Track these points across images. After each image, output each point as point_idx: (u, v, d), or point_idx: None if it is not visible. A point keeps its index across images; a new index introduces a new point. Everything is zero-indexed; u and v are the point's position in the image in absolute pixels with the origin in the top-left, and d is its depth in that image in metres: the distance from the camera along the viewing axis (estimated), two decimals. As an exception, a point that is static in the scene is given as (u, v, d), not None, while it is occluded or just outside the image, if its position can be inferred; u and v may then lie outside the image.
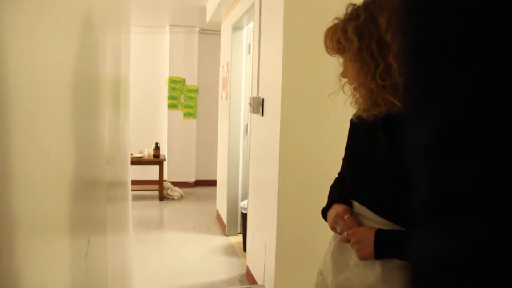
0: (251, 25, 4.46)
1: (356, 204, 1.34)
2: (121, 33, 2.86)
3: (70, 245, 1.36)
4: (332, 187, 1.53)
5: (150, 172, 7.22)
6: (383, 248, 1.22)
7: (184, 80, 7.68)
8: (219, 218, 5.72)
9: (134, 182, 6.98)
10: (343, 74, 1.32)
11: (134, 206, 6.31)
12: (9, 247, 0.84)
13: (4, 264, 0.81)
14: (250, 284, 2.27)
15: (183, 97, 7.71)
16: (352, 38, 1.21)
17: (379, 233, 1.23)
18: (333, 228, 1.37)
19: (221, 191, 5.68)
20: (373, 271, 1.26)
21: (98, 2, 1.90)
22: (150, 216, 6.19)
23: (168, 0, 6.04)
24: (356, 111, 1.35)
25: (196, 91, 7.75)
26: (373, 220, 1.28)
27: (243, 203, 4.66)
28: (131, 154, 6.54)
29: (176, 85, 7.65)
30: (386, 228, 1.25)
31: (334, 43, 1.27)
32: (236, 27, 5.03)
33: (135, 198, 6.78)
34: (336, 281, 1.36)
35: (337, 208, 1.37)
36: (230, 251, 4.68)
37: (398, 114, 1.20)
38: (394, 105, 1.19)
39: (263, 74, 3.56)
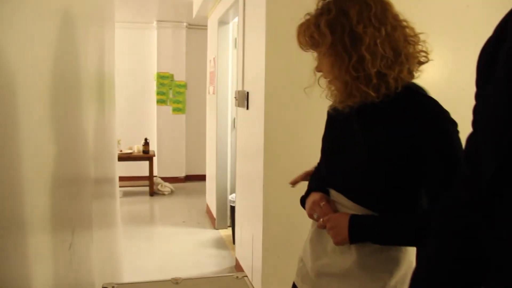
0: (236, 19, 4.49)
1: (332, 192, 1.38)
2: (104, 28, 2.87)
3: (53, 238, 1.39)
4: (311, 176, 1.57)
5: (140, 168, 7.22)
6: (357, 232, 1.25)
7: (172, 76, 7.69)
8: (209, 212, 5.76)
9: (124, 178, 7.01)
10: (318, 68, 1.34)
11: (124, 202, 6.36)
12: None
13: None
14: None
15: (172, 92, 7.72)
16: (325, 32, 1.22)
17: (353, 218, 1.26)
18: (310, 215, 1.41)
19: (210, 185, 5.72)
20: (349, 256, 1.31)
21: None
22: (141, 212, 6.22)
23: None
24: (332, 103, 1.38)
25: (184, 86, 7.76)
26: (348, 207, 1.31)
27: (231, 197, 4.70)
28: (121, 151, 6.57)
29: (164, 81, 7.66)
30: (360, 214, 1.29)
31: (307, 38, 1.29)
32: (222, 22, 5.05)
33: (126, 194, 6.81)
34: (315, 267, 1.40)
35: (314, 196, 1.41)
36: (220, 244, 4.73)
37: (372, 104, 1.23)
38: (368, 95, 1.22)
39: (248, 68, 3.60)
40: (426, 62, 1.27)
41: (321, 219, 1.34)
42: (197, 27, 7.46)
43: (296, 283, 1.51)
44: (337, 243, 1.30)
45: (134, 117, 7.57)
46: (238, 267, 3.90)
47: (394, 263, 1.29)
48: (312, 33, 1.26)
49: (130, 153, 6.76)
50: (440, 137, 1.19)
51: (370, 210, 1.28)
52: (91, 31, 2.22)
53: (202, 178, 6.75)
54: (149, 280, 1.74)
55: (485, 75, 0.77)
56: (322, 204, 1.36)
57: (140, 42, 7.61)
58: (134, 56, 7.52)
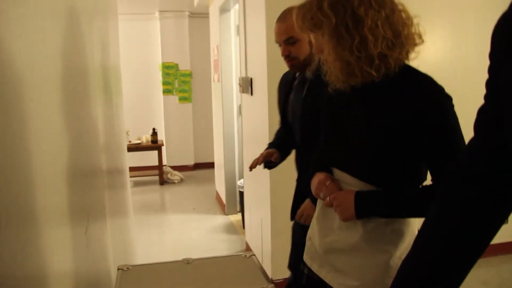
0: (237, 6, 4.52)
1: (336, 171, 1.42)
2: (108, 21, 2.93)
3: (70, 225, 1.46)
4: (314, 158, 1.59)
5: (150, 158, 7.33)
6: (363, 208, 1.31)
7: (177, 65, 7.75)
8: (218, 198, 5.85)
9: (134, 169, 7.13)
10: (318, 50, 1.37)
11: (135, 191, 6.47)
12: (15, 233, 0.94)
13: (13, 246, 0.92)
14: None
15: (177, 81, 7.79)
16: (328, 14, 1.25)
17: (358, 194, 1.32)
18: (316, 195, 1.45)
19: (219, 172, 5.80)
20: (355, 231, 1.36)
21: None
22: (152, 200, 6.34)
23: (155, -14, 6.09)
24: (332, 83, 1.41)
25: (189, 75, 7.82)
26: (352, 184, 1.36)
27: (240, 182, 4.78)
28: (129, 141, 6.67)
29: (169, 70, 7.72)
30: (364, 190, 1.34)
31: (307, 20, 1.31)
32: (223, 9, 5.08)
33: (136, 183, 6.92)
34: (323, 244, 1.46)
35: (319, 176, 1.45)
36: (230, 229, 4.82)
37: (371, 84, 1.29)
38: (370, 74, 1.27)
39: (250, 54, 3.64)
40: (421, 44, 1.31)
41: (328, 198, 1.39)
42: (199, 16, 7.50)
43: (305, 261, 1.58)
44: (345, 219, 1.35)
45: (142, 107, 7.66)
46: (248, 250, 3.99)
47: (399, 236, 1.34)
48: (314, 14, 1.28)
49: (139, 143, 6.86)
50: (437, 111, 1.24)
51: (373, 186, 1.33)
52: (95, 24, 2.28)
53: (211, 165, 6.84)
54: (162, 261, 1.82)
55: (505, 50, 0.78)
56: (327, 183, 1.40)
57: (143, 33, 7.66)
58: (138, 47, 7.58)
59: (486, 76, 0.84)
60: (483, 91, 0.85)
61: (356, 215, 1.31)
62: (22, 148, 1.04)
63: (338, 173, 1.42)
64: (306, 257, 1.58)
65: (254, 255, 1.83)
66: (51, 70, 1.36)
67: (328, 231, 1.45)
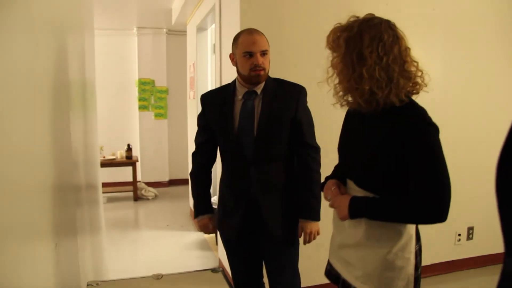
0: (214, 26, 4.59)
1: (348, 181, 1.69)
2: (84, 36, 2.95)
3: (40, 241, 1.47)
4: (334, 167, 1.88)
5: (124, 174, 7.29)
6: (354, 210, 1.56)
7: (153, 81, 7.77)
8: (192, 215, 5.83)
9: (108, 184, 7.07)
10: (332, 67, 1.60)
11: (109, 207, 6.41)
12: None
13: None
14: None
15: (153, 98, 7.80)
16: (341, 45, 1.51)
17: (353, 199, 1.57)
18: (325, 198, 1.74)
19: (193, 189, 5.78)
20: (360, 229, 1.60)
21: (57, 6, 1.99)
22: (125, 217, 6.28)
23: (134, 3, 6.13)
24: (338, 101, 1.65)
25: (165, 91, 7.85)
26: (356, 191, 1.61)
27: (213, 199, 4.79)
28: (104, 157, 6.62)
29: (146, 87, 7.73)
30: (360, 196, 1.59)
31: (330, 41, 1.57)
32: (201, 28, 5.15)
33: (110, 199, 6.86)
34: (337, 241, 1.74)
35: (329, 182, 1.74)
36: (203, 245, 4.82)
37: (375, 113, 1.52)
38: (361, 105, 1.52)
39: (225, 73, 3.71)
40: (417, 93, 1.55)
41: (331, 200, 1.67)
42: (177, 33, 7.56)
43: (329, 259, 1.84)
44: (341, 218, 1.62)
45: (117, 123, 7.63)
46: (221, 267, 4.00)
47: (396, 235, 1.56)
48: (333, 40, 1.55)
49: (113, 159, 6.82)
50: (421, 138, 1.44)
51: (373, 193, 1.56)
52: (70, 39, 2.30)
53: (185, 182, 6.80)
54: (132, 277, 1.84)
55: None
56: (332, 188, 1.69)
57: (121, 48, 7.67)
58: (115, 62, 7.58)
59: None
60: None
61: (349, 215, 1.57)
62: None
63: (348, 182, 1.69)
64: (329, 255, 1.84)
65: (222, 270, 1.86)
66: (25, 84, 1.38)
67: (340, 229, 1.72)
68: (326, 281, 3.40)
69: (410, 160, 1.45)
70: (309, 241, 2.22)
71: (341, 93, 1.60)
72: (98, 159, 3.80)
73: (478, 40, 3.82)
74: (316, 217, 2.21)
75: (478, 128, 3.88)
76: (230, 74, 3.45)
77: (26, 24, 1.42)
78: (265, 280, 2.41)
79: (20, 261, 1.27)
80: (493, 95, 3.93)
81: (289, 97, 2.18)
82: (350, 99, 1.60)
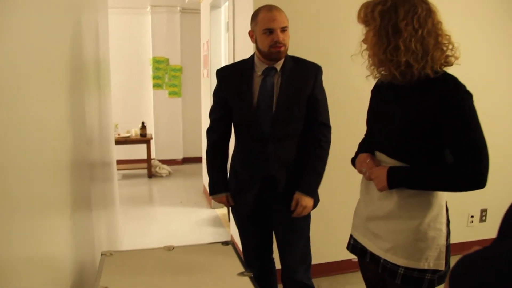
0: (227, 3, 4.58)
1: (377, 153, 1.72)
2: (98, 14, 2.98)
3: (55, 214, 1.53)
4: (359, 144, 1.92)
5: (138, 151, 7.38)
6: (394, 180, 1.58)
7: (167, 60, 7.80)
8: (205, 192, 5.92)
9: (123, 162, 7.18)
10: (364, 41, 1.64)
11: (123, 184, 6.53)
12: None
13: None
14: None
15: (167, 76, 7.84)
16: (376, 18, 1.54)
17: (390, 169, 1.59)
18: (359, 171, 1.77)
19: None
20: (391, 200, 1.63)
21: None
22: (140, 193, 6.39)
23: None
24: (374, 75, 1.68)
25: (179, 70, 7.88)
26: (388, 163, 1.64)
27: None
28: (118, 134, 6.71)
29: (160, 65, 7.77)
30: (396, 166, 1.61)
31: (362, 16, 1.60)
32: (214, 6, 5.14)
33: (125, 176, 6.97)
34: (365, 213, 1.77)
35: (361, 156, 1.77)
36: (216, 222, 4.90)
37: (405, 85, 1.56)
38: (395, 77, 1.54)
39: (238, 51, 3.72)
40: (450, 65, 1.56)
41: (367, 172, 1.69)
42: (191, 11, 7.55)
43: (352, 234, 1.87)
44: (380, 189, 1.63)
45: (131, 101, 7.70)
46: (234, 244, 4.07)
47: (428, 205, 1.59)
48: (367, 13, 1.58)
49: (128, 136, 6.90)
50: (456, 104, 1.46)
51: (405, 164, 1.59)
52: (85, 17, 2.33)
53: (199, 160, 6.90)
54: (144, 248, 1.90)
55: None
56: (367, 161, 1.71)
57: (135, 27, 7.69)
58: (129, 41, 7.61)
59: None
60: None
61: (388, 185, 1.59)
62: (10, 138, 1.10)
63: (378, 154, 1.72)
64: (352, 230, 1.88)
65: (233, 243, 1.91)
66: (42, 63, 1.42)
67: (369, 202, 1.75)
68: (337, 258, 3.46)
69: (447, 127, 1.48)
70: (299, 215, 2.20)
71: (375, 65, 1.63)
72: (113, 137, 3.86)
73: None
74: (313, 194, 2.23)
75: (497, 108, 3.82)
76: (243, 52, 3.47)
77: (40, 3, 1.45)
78: (275, 256, 2.46)
79: (38, 231, 1.33)
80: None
81: (307, 75, 2.20)
82: (383, 71, 1.62)
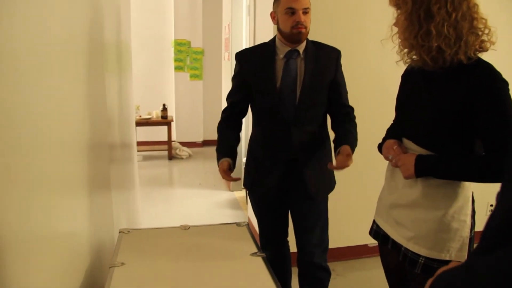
0: (249, -14, 4.56)
1: (404, 140, 1.69)
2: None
3: (75, 192, 1.58)
4: (387, 130, 1.90)
5: (159, 133, 7.46)
6: (421, 168, 1.55)
7: (189, 42, 7.82)
8: (225, 174, 5.96)
9: (143, 143, 7.27)
10: (395, 24, 1.59)
11: (144, 165, 6.62)
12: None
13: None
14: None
15: (189, 59, 7.87)
16: (408, 1, 1.49)
17: (419, 157, 1.56)
18: (386, 157, 1.74)
19: (226, 150, 5.88)
20: (416, 189, 1.61)
21: None
22: (160, 175, 6.49)
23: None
24: (404, 60, 1.64)
25: (201, 53, 7.89)
26: (416, 151, 1.61)
27: (245, 160, 4.88)
28: (140, 116, 6.78)
29: (181, 48, 7.80)
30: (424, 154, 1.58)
31: None
32: (236, -11, 5.12)
33: (146, 158, 7.07)
34: (389, 200, 1.75)
35: (389, 142, 1.74)
36: (234, 204, 4.96)
37: (436, 72, 1.51)
38: (426, 62, 1.49)
39: (258, 35, 3.72)
40: (486, 51, 1.49)
41: (394, 159, 1.66)
42: (213, -6, 7.53)
43: (375, 219, 1.87)
44: (406, 177, 1.60)
45: (153, 83, 7.76)
46: (250, 225, 4.12)
47: (453, 196, 1.55)
48: None
49: (149, 118, 6.98)
50: (491, 92, 1.41)
51: (434, 152, 1.56)
52: (107, 0, 2.36)
53: (219, 143, 6.92)
54: (161, 227, 1.94)
55: None
56: (395, 147, 1.68)
57: (157, 9, 7.71)
58: (152, 23, 7.65)
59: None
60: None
61: (415, 173, 1.56)
62: (31, 118, 1.14)
63: (405, 141, 1.69)
64: (375, 216, 1.87)
65: (247, 224, 1.94)
66: (63, 44, 1.45)
67: (393, 189, 1.73)
68: (353, 243, 3.47)
69: (481, 117, 1.43)
70: (342, 167, 2.02)
71: (405, 50, 1.58)
72: (133, 118, 3.91)
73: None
74: (354, 148, 2.14)
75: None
76: (264, 35, 3.46)
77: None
78: (290, 239, 2.49)
79: (57, 209, 1.38)
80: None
81: (330, 60, 2.21)
82: (414, 56, 1.57)
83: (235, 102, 2.32)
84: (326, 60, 2.19)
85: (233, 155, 2.26)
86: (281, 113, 2.15)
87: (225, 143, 2.31)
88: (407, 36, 1.51)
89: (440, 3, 1.43)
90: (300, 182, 2.21)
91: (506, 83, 1.42)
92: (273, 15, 2.18)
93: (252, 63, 2.23)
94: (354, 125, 2.25)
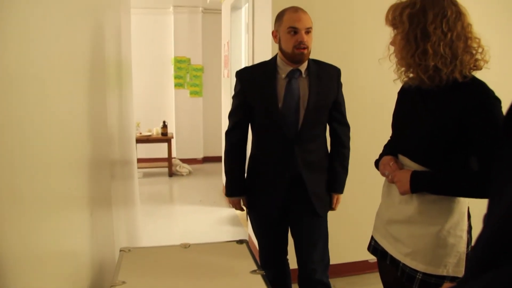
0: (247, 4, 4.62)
1: (400, 156, 1.72)
2: (120, 14, 3.04)
3: (76, 210, 1.59)
4: (384, 147, 1.92)
5: (159, 150, 7.48)
6: (417, 184, 1.58)
7: (189, 60, 7.88)
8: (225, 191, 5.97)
9: (144, 160, 7.29)
10: (392, 44, 1.64)
11: (144, 182, 6.63)
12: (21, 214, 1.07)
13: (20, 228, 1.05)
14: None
15: (189, 76, 7.93)
16: (404, 21, 1.53)
17: (414, 173, 1.60)
18: (382, 173, 1.76)
19: (226, 166, 5.90)
20: (412, 205, 1.64)
21: None
22: (160, 191, 6.49)
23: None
24: (401, 79, 1.68)
25: (201, 69, 7.96)
26: (412, 167, 1.64)
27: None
28: (140, 133, 6.81)
29: (181, 65, 7.86)
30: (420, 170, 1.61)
31: (390, 18, 1.60)
32: (235, 7, 5.19)
33: (146, 175, 7.08)
34: (387, 216, 1.77)
35: (385, 158, 1.77)
36: (234, 221, 4.95)
37: (436, 89, 1.54)
38: (423, 81, 1.54)
39: (257, 52, 3.76)
40: (480, 69, 1.54)
41: (390, 175, 1.69)
42: (213, 12, 7.62)
43: (373, 235, 1.88)
44: (402, 193, 1.63)
45: (153, 100, 7.81)
46: (250, 242, 4.12)
47: (449, 211, 1.58)
48: (395, 16, 1.57)
49: (149, 135, 7.00)
50: (484, 109, 1.45)
51: (429, 168, 1.59)
52: (108, 18, 2.39)
53: (219, 159, 6.95)
54: (161, 245, 1.95)
55: None
56: (391, 163, 1.71)
57: (157, 27, 7.80)
58: (152, 41, 7.73)
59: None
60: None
61: (411, 189, 1.59)
62: (34, 137, 1.16)
63: (401, 158, 1.72)
64: (373, 231, 1.89)
65: (247, 242, 1.95)
66: (64, 63, 1.48)
67: (390, 205, 1.76)
68: (354, 259, 3.47)
69: (475, 134, 1.46)
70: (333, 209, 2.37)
71: (403, 69, 1.61)
72: (134, 135, 3.93)
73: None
74: (343, 191, 2.35)
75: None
76: (262, 53, 3.50)
77: (63, 3, 1.50)
78: (290, 256, 2.49)
79: (59, 227, 1.39)
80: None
81: (331, 78, 2.24)
82: (411, 75, 1.60)
83: (237, 122, 2.30)
84: (328, 79, 2.22)
85: (245, 190, 2.35)
86: (284, 133, 2.15)
87: (238, 179, 2.37)
88: (404, 55, 1.55)
89: (436, 23, 1.47)
90: (304, 199, 2.22)
91: (498, 101, 1.46)
92: (275, 34, 2.19)
93: (253, 82, 2.23)
94: (347, 153, 2.34)
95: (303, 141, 2.17)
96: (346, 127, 2.33)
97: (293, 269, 2.44)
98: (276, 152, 2.21)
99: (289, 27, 2.08)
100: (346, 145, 2.33)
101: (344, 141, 2.31)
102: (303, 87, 2.16)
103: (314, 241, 2.29)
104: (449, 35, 1.47)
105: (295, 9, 2.12)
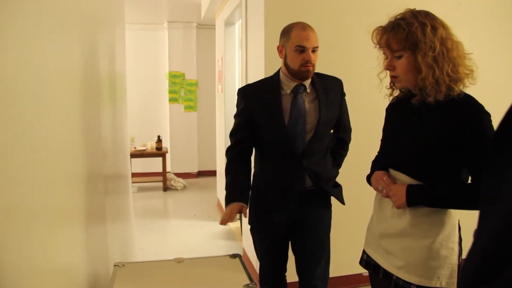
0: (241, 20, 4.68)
1: (392, 171, 1.74)
2: (115, 30, 3.07)
3: (71, 225, 1.60)
4: (373, 162, 1.95)
5: (154, 164, 7.49)
6: (412, 198, 1.60)
7: (183, 74, 7.93)
8: (219, 205, 5.98)
9: (138, 175, 7.30)
10: (391, 67, 1.64)
11: (139, 196, 6.63)
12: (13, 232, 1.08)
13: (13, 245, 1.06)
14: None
15: (183, 90, 7.97)
16: (398, 41, 1.56)
17: (410, 187, 1.62)
18: (375, 188, 1.78)
19: (221, 180, 5.93)
20: (404, 218, 1.65)
21: (89, 2, 2.09)
22: (155, 206, 6.48)
23: (164, -2, 6.27)
24: (392, 95, 1.76)
25: (195, 84, 8.00)
26: (405, 181, 1.66)
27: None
28: (135, 148, 6.82)
29: (176, 79, 7.91)
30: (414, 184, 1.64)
31: (381, 40, 1.61)
32: (228, 23, 5.25)
33: (140, 189, 7.07)
34: (379, 229, 1.78)
35: (378, 173, 1.77)
36: (229, 235, 4.95)
37: (427, 104, 1.57)
38: (427, 97, 1.55)
39: (250, 67, 3.80)
40: (468, 86, 1.58)
41: (384, 190, 1.70)
42: (207, 27, 7.69)
43: (365, 249, 1.89)
44: (398, 206, 1.64)
45: (148, 115, 7.84)
46: (244, 256, 4.11)
47: (440, 225, 1.60)
48: (387, 38, 1.59)
49: (144, 150, 7.01)
50: (475, 124, 1.49)
51: (421, 182, 1.62)
52: (102, 33, 2.42)
53: (213, 173, 6.98)
54: (155, 260, 1.96)
55: None
56: (384, 178, 1.72)
57: (152, 42, 7.86)
58: (146, 56, 7.78)
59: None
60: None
61: (407, 203, 1.61)
62: (27, 152, 1.18)
63: (393, 172, 1.73)
64: (365, 245, 1.89)
65: (240, 256, 1.96)
66: (58, 79, 1.49)
67: (382, 219, 1.77)
68: (348, 272, 3.47)
69: (467, 148, 1.50)
70: None
71: (396, 85, 1.67)
72: (128, 150, 3.95)
73: (505, 35, 3.78)
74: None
75: None
76: (256, 69, 3.54)
77: (58, 20, 1.51)
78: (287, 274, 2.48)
79: (53, 242, 1.39)
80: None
81: (336, 91, 2.25)
82: (404, 91, 1.67)
83: (239, 139, 2.25)
84: (334, 92, 2.23)
85: (247, 200, 2.21)
86: (292, 148, 2.13)
87: (239, 186, 2.21)
88: (410, 78, 1.59)
89: (430, 41, 1.51)
90: (311, 213, 2.22)
91: (488, 115, 1.51)
92: (280, 49, 2.15)
93: (258, 99, 2.20)
94: (344, 153, 2.40)
95: (311, 154, 2.15)
96: (349, 131, 2.40)
97: (291, 282, 2.45)
98: (284, 168, 2.17)
99: (297, 45, 2.06)
100: (347, 148, 2.40)
101: (346, 143, 2.39)
102: (308, 101, 2.15)
103: (319, 257, 2.27)
104: (444, 53, 1.52)
105: (303, 26, 2.09)
